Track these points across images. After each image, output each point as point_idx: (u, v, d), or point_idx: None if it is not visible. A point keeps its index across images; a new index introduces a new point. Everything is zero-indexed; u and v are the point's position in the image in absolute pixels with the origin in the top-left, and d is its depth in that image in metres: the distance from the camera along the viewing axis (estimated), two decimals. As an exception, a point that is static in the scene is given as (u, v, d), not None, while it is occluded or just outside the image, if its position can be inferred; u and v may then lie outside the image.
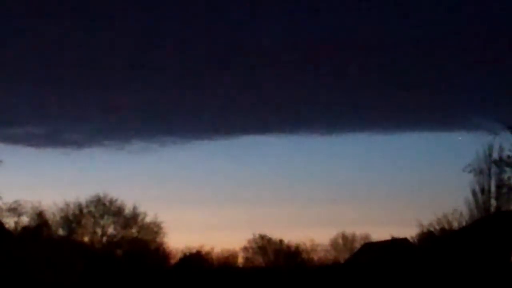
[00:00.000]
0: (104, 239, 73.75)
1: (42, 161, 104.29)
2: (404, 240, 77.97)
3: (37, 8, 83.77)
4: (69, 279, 62.61)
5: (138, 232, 75.52)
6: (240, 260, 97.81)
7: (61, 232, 72.47)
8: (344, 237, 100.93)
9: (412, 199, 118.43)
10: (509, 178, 53.41)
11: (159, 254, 78.42)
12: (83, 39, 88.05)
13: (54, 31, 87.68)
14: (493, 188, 59.97)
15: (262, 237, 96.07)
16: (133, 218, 74.82)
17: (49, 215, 71.36)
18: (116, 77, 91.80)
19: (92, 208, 73.57)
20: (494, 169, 58.80)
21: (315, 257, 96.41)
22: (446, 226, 66.31)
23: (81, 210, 73.13)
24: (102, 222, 73.77)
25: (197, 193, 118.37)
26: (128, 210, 74.48)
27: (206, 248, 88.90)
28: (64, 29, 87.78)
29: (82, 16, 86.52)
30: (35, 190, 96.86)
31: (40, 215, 70.29)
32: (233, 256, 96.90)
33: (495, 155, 56.82)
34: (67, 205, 72.37)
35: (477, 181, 60.48)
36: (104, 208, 73.81)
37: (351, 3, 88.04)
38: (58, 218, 72.09)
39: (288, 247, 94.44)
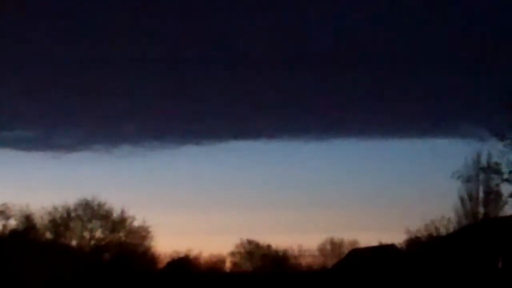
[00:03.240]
0: (92, 242, 73.58)
1: (31, 164, 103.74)
2: (392, 246, 78.04)
3: (29, 13, 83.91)
4: (57, 282, 62.45)
5: (126, 236, 75.33)
6: (228, 264, 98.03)
7: (48, 235, 72.26)
8: (332, 242, 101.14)
9: (400, 205, 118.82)
10: (497, 185, 53.78)
11: (147, 258, 78.22)
12: (73, 44, 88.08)
13: (45, 35, 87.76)
14: (481, 195, 60.34)
15: (250, 242, 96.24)
16: (121, 222, 74.61)
17: (37, 219, 71.20)
18: (106, 82, 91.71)
19: (80, 212, 73.39)
20: (482, 176, 59.17)
21: (303, 263, 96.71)
22: (434, 233, 66.49)
23: (69, 214, 72.89)
24: (90, 225, 73.58)
25: (185, 198, 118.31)
26: (116, 214, 74.31)
27: (193, 253, 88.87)
28: (55, 34, 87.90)
29: (74, 21, 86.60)
30: (24, 193, 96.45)
31: (28, 219, 70.13)
32: (220, 261, 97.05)
33: (483, 162, 57.19)
34: (55, 208, 72.16)
35: (465, 188, 60.84)
36: (92, 212, 73.64)
37: (344, 12, 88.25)
38: (46, 221, 71.88)
39: (276, 252, 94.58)
